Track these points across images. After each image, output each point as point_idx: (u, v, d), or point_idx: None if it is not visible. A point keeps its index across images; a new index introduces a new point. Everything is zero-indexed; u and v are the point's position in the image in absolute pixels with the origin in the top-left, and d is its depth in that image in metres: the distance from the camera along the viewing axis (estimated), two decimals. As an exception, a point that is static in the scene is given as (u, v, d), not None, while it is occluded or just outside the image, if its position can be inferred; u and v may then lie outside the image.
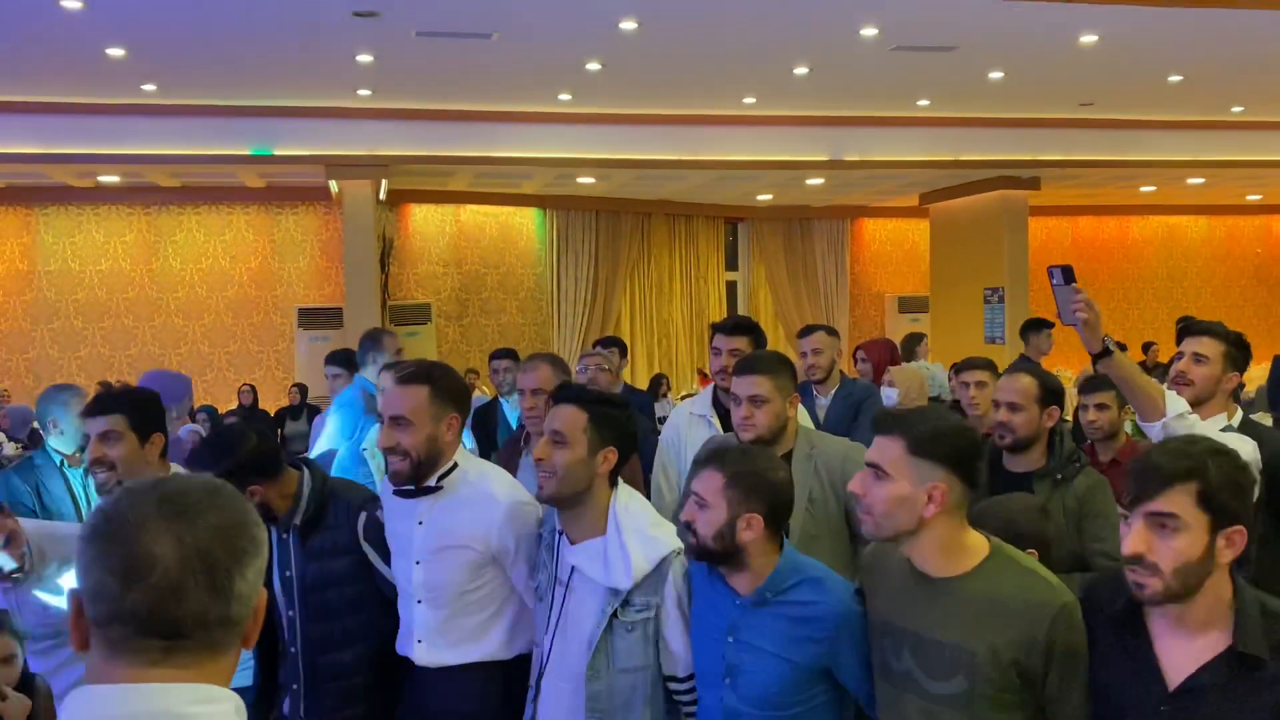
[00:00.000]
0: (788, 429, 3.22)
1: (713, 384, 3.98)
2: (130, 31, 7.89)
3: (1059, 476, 3.23)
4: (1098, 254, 16.95)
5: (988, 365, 4.53)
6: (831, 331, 5.08)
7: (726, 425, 3.81)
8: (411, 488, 2.80)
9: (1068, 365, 14.79)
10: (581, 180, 12.61)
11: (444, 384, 2.82)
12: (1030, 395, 3.29)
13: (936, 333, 14.45)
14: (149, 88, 9.48)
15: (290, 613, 2.97)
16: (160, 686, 1.17)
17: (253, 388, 11.19)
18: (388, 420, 2.77)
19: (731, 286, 15.85)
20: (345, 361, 6.02)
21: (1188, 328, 3.33)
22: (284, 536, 2.97)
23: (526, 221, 14.22)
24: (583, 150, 11.26)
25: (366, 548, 2.97)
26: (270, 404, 11.75)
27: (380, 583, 2.98)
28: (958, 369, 4.70)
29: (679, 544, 2.61)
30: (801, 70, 9.31)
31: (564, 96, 10.27)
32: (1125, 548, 1.92)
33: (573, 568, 2.62)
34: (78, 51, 8.30)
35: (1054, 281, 2.83)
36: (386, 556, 2.95)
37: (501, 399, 6.33)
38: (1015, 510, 2.71)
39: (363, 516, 2.96)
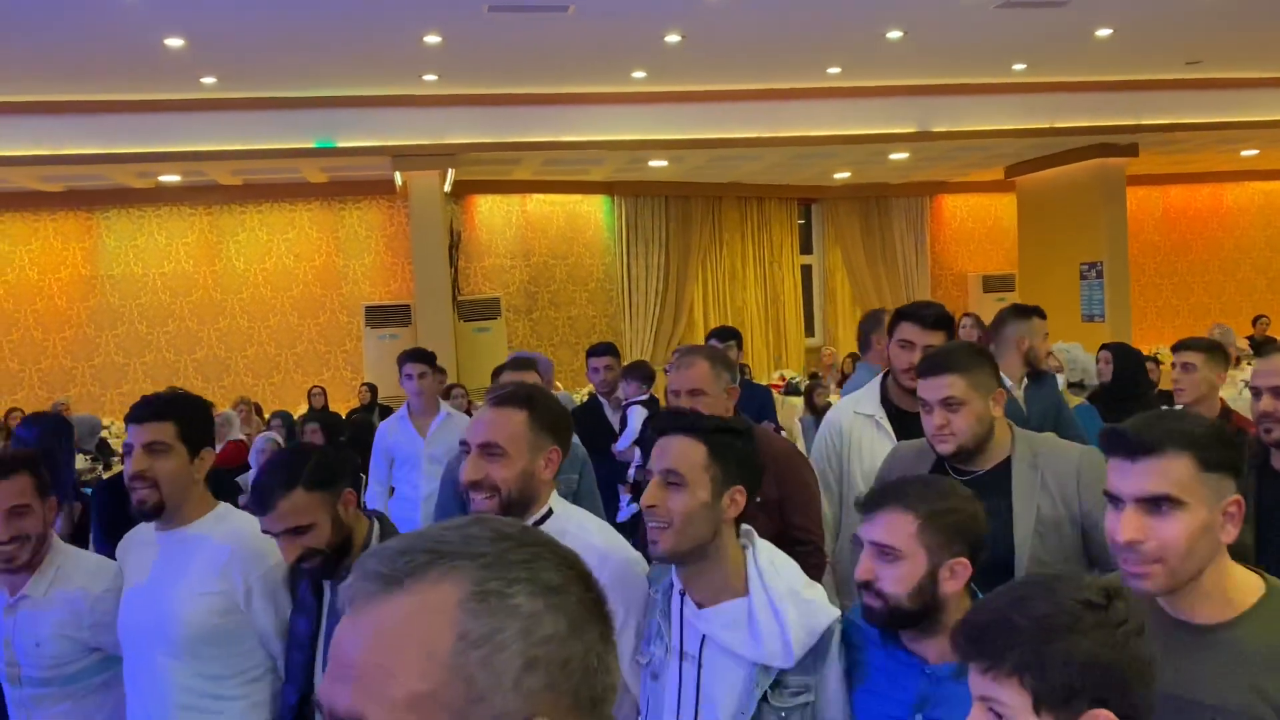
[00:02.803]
0: (996, 434, 2.65)
1: (880, 377, 3.43)
2: (190, 19, 7.50)
3: None
4: (1191, 224, 16.08)
5: None
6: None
7: (899, 428, 3.27)
8: None
9: (1162, 341, 14.02)
10: (653, 164, 12.07)
11: (545, 410, 2.32)
12: None
13: (1026, 312, 13.75)
14: (209, 80, 9.11)
15: None
16: None
17: (323, 390, 10.81)
18: (476, 449, 2.26)
19: (806, 270, 15.23)
20: (426, 358, 5.58)
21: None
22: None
23: (594, 210, 13.72)
24: (656, 131, 10.74)
25: None
26: (340, 405, 11.39)
27: None
28: None
29: (837, 611, 2.13)
30: (895, 34, 8.69)
31: (638, 74, 9.74)
32: None
33: (704, 638, 2.10)
34: (137, 42, 7.93)
35: None
36: None
37: (601, 399, 5.83)
38: None
39: None
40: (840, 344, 14.33)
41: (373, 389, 10.61)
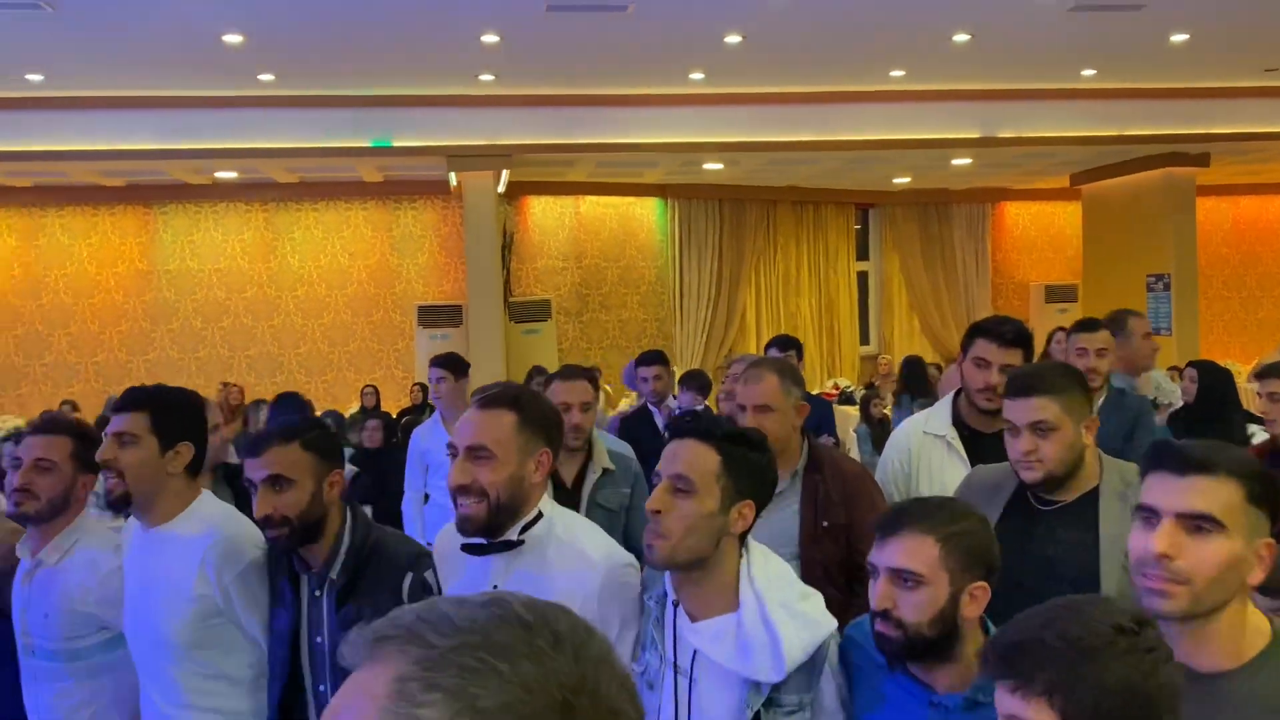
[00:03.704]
0: (1085, 461, 2.48)
1: (951, 395, 3.25)
2: (249, 16, 7.48)
3: None
4: (1261, 236, 15.59)
5: None
6: None
7: (971, 450, 3.09)
8: (483, 541, 2.19)
9: (1242, 359, 13.61)
10: (708, 166, 11.92)
11: (533, 411, 2.24)
12: None
13: (1089, 324, 13.40)
14: (266, 78, 9.11)
15: (321, 688, 2.40)
16: None
17: (375, 389, 10.80)
18: (463, 451, 2.20)
19: (863, 278, 14.97)
20: (447, 364, 5.43)
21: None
22: (316, 594, 2.40)
23: (647, 212, 13.59)
24: (712, 134, 10.58)
25: None
26: (391, 404, 11.37)
27: None
28: None
29: (834, 623, 2.02)
30: (962, 37, 8.46)
31: (696, 76, 9.59)
32: None
33: (695, 652, 2.00)
34: (196, 38, 7.93)
35: None
36: None
37: (652, 408, 5.68)
38: None
39: (408, 578, 2.35)
40: (896, 352, 14.07)
41: (424, 388, 10.57)
